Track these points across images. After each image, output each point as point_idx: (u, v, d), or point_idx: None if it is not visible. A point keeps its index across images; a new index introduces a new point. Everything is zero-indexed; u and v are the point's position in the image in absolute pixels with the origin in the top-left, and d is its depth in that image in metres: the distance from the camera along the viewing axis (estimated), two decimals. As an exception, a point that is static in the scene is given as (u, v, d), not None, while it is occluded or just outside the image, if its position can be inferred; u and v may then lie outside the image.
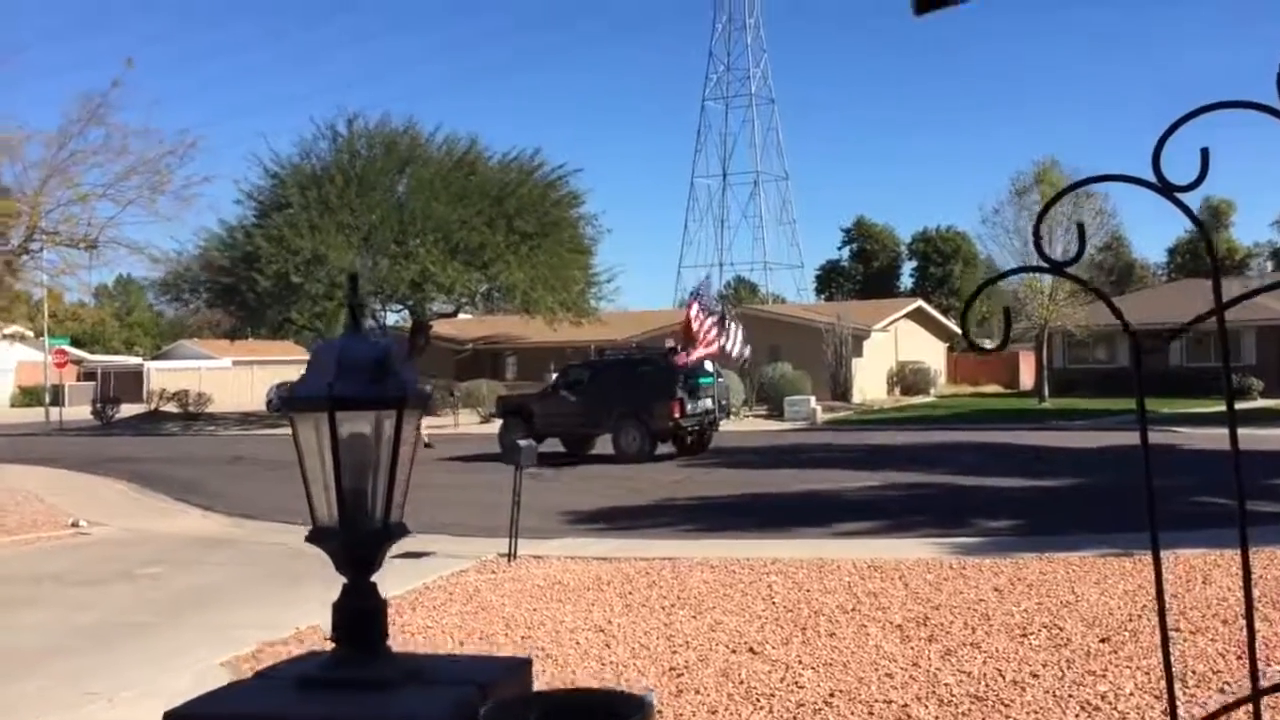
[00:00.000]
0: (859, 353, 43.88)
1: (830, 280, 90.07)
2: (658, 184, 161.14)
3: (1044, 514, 13.93)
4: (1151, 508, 2.14)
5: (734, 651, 7.23)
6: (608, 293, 46.47)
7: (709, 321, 23.63)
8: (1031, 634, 7.45)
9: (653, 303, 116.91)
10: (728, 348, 24.22)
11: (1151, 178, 1.93)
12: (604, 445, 23.49)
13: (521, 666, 1.96)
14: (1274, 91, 1.95)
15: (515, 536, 11.30)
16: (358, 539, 1.88)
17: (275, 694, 1.81)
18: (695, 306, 23.82)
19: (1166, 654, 2.19)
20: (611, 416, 23.03)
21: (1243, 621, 6.41)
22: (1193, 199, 2.09)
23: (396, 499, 1.91)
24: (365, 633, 1.88)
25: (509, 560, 11.05)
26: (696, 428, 23.55)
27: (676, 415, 22.53)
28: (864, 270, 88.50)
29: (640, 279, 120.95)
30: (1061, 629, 7.56)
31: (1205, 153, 2.03)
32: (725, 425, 26.35)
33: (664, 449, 23.31)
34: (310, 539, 1.92)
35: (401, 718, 1.68)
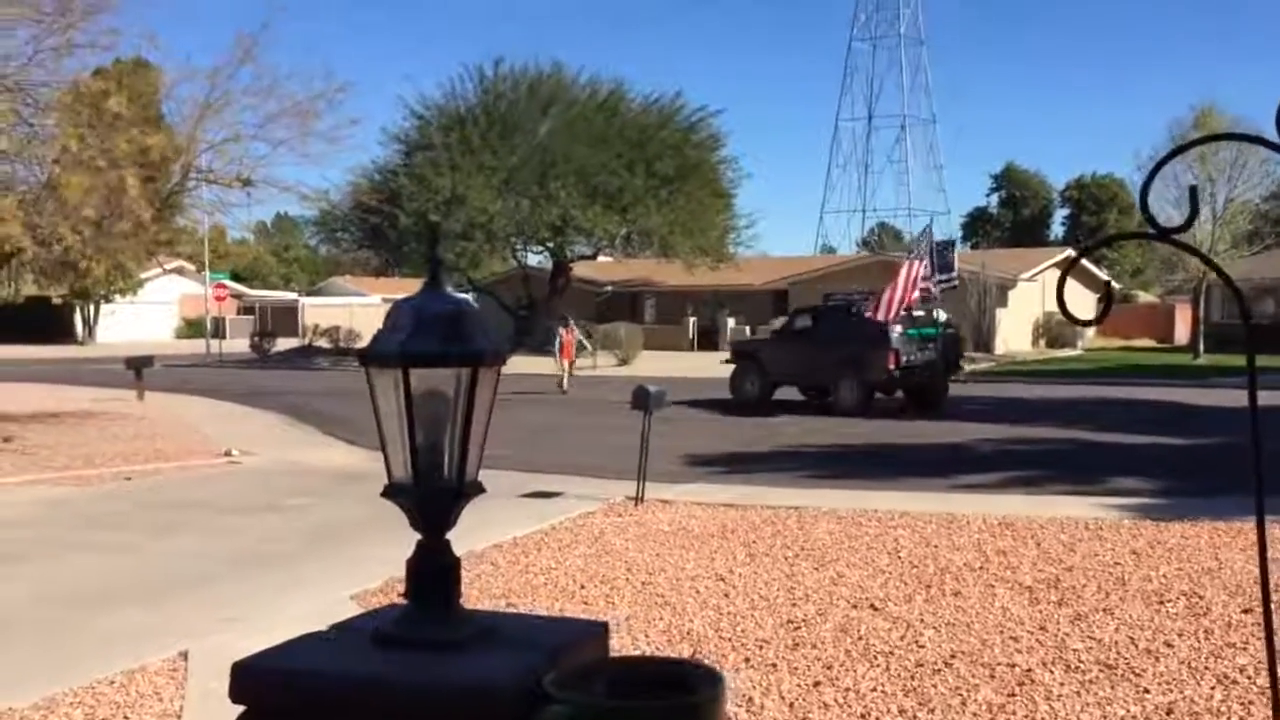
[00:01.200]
0: (1003, 303, 42.63)
1: (977, 228, 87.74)
2: (801, 127, 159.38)
3: (1192, 475, 13.36)
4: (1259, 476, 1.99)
5: (855, 607, 7.14)
6: (747, 238, 46.14)
7: (919, 268, 21.77)
8: (1169, 601, 7.17)
9: (793, 248, 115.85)
10: (933, 290, 22.86)
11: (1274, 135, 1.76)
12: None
13: (598, 630, 1.94)
14: None
15: (643, 480, 11.37)
16: (430, 497, 1.88)
17: (345, 651, 1.83)
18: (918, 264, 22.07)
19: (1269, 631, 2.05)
20: (829, 365, 21.95)
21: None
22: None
23: (471, 458, 1.89)
24: (437, 591, 1.89)
25: (636, 504, 11.13)
26: (918, 381, 21.99)
27: (891, 366, 21.08)
28: (1013, 218, 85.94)
29: (781, 223, 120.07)
30: (1202, 597, 7.25)
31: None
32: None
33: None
34: (385, 494, 1.93)
35: (465, 683, 1.68)
